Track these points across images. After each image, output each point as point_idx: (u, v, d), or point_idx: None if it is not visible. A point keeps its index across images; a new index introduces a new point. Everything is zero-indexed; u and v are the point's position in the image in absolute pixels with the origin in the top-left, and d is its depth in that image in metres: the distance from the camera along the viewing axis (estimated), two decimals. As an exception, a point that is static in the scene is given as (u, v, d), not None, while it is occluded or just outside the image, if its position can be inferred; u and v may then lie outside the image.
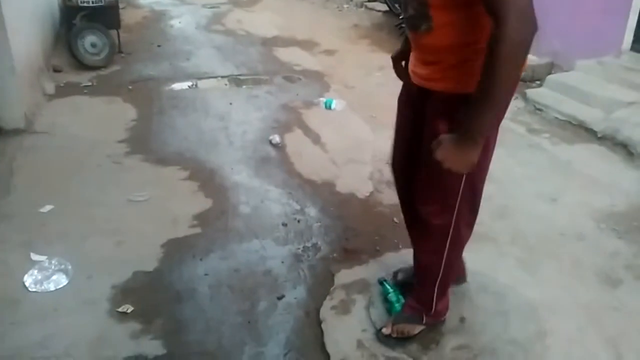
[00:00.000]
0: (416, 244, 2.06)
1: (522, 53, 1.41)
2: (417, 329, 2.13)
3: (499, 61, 1.39)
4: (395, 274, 2.41)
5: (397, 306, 2.20)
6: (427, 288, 2.07)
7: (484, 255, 2.63)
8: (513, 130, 4.11)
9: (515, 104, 4.55)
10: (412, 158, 2.00)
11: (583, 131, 4.10)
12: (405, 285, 2.32)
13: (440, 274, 2.00)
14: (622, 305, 2.36)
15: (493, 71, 1.41)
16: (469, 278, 2.43)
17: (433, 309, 2.10)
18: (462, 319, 2.24)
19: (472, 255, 2.61)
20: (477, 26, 1.55)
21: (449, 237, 1.90)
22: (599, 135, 3.97)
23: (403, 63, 2.04)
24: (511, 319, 2.25)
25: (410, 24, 1.71)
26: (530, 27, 1.37)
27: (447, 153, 1.58)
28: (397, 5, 6.63)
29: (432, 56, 1.69)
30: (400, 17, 6.33)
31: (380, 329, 2.13)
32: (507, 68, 1.41)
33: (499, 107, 1.52)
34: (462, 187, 1.79)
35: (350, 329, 2.18)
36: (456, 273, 2.21)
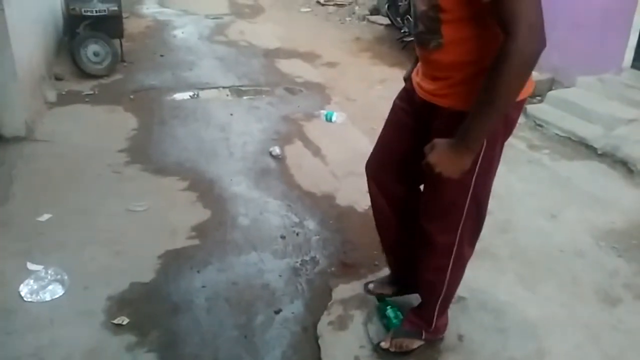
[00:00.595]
0: (419, 261, 2.02)
1: (529, 67, 1.41)
2: (416, 344, 2.12)
3: (506, 74, 1.40)
4: (367, 284, 2.40)
5: (395, 322, 2.19)
6: (429, 304, 2.06)
7: (484, 271, 2.62)
8: (513, 146, 4.10)
9: (515, 119, 4.55)
10: (402, 166, 1.99)
11: (583, 148, 4.10)
12: (380, 298, 2.33)
13: (444, 291, 1.99)
14: (621, 324, 2.34)
15: (498, 83, 1.42)
16: (468, 294, 2.42)
17: (433, 325, 2.09)
18: (460, 337, 2.22)
19: (472, 272, 2.59)
20: (487, 43, 1.55)
21: (453, 254, 1.89)
22: (599, 152, 3.97)
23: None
24: (510, 337, 2.23)
25: (420, 40, 1.70)
26: (540, 42, 1.38)
27: (441, 157, 1.59)
28: (399, 19, 6.65)
29: (441, 72, 1.68)
30: (402, 30, 6.38)
31: (379, 343, 2.12)
32: (513, 81, 1.42)
33: (498, 119, 1.53)
34: (467, 204, 1.78)
35: (348, 345, 2.17)
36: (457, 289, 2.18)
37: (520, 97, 1.63)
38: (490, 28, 1.52)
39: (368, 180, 2.15)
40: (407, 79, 2.02)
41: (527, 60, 1.39)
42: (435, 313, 2.06)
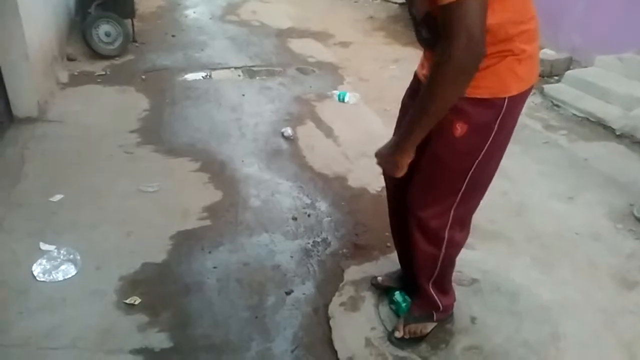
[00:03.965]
0: (410, 246, 1.97)
1: (464, 77, 1.40)
2: (429, 327, 2.10)
3: (440, 80, 1.41)
4: (374, 278, 2.37)
5: (404, 306, 2.16)
6: (423, 287, 2.04)
7: (498, 254, 2.58)
8: (529, 126, 4.03)
9: (532, 100, 4.47)
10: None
11: (601, 128, 4.02)
12: (389, 290, 2.30)
13: (435, 274, 1.97)
14: (638, 309, 2.30)
15: (432, 88, 1.44)
16: (481, 277, 2.39)
17: (440, 306, 2.07)
18: (473, 319, 2.19)
19: (486, 254, 2.57)
20: (494, 35, 1.49)
21: (445, 238, 1.87)
22: (618, 133, 3.89)
23: None
24: (524, 320, 2.20)
25: (427, 45, 1.69)
26: (477, 54, 1.37)
27: (380, 153, 1.72)
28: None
29: None
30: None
31: (393, 332, 2.09)
32: (446, 88, 1.42)
33: (430, 123, 1.53)
34: (463, 189, 1.76)
35: (359, 327, 2.15)
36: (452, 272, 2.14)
37: (523, 87, 1.60)
38: (492, 24, 1.46)
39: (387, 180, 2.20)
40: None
41: (462, 70, 1.38)
42: (434, 295, 2.04)
